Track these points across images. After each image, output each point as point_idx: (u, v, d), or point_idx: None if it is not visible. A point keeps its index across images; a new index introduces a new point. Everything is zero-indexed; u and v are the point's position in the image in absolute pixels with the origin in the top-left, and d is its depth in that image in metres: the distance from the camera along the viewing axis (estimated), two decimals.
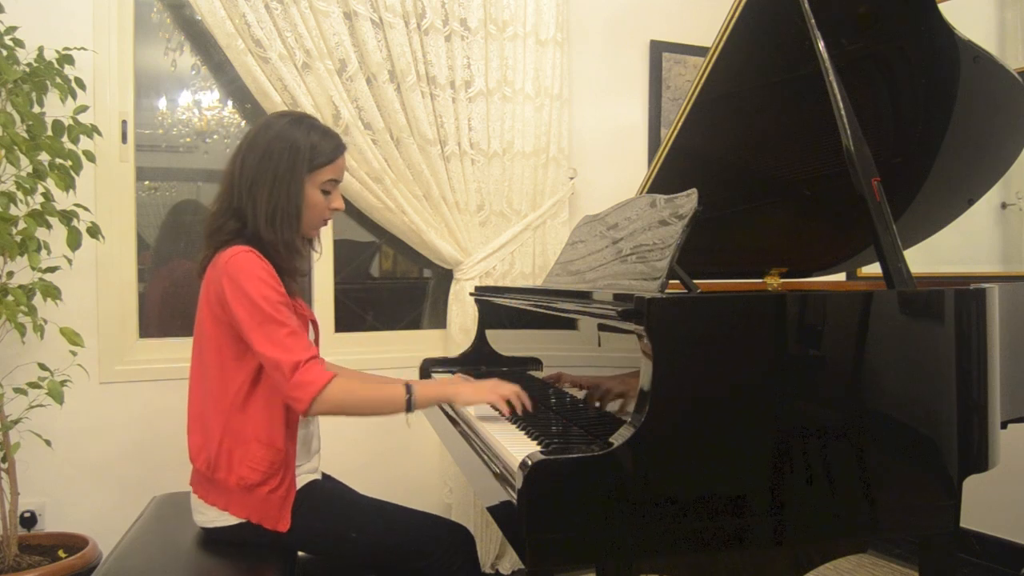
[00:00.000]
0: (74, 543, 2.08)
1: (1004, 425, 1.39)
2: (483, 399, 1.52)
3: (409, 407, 1.49)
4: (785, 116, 1.85)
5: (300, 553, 1.59)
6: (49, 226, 1.98)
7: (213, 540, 1.52)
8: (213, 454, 1.48)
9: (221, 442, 1.47)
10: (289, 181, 1.51)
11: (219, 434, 1.47)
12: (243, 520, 1.47)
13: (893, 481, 1.23)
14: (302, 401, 1.38)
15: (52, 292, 1.95)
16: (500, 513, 1.22)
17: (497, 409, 1.51)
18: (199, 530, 1.55)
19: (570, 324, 1.58)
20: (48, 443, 2.03)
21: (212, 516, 1.50)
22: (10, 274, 1.97)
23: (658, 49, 3.02)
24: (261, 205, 1.50)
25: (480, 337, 2.21)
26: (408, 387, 1.50)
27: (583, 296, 1.43)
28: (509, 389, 1.52)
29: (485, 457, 1.34)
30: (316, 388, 1.38)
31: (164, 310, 2.47)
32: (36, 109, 1.98)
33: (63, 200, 2.01)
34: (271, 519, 1.47)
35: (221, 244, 1.50)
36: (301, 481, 1.55)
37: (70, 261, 2.06)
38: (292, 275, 1.55)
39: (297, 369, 1.38)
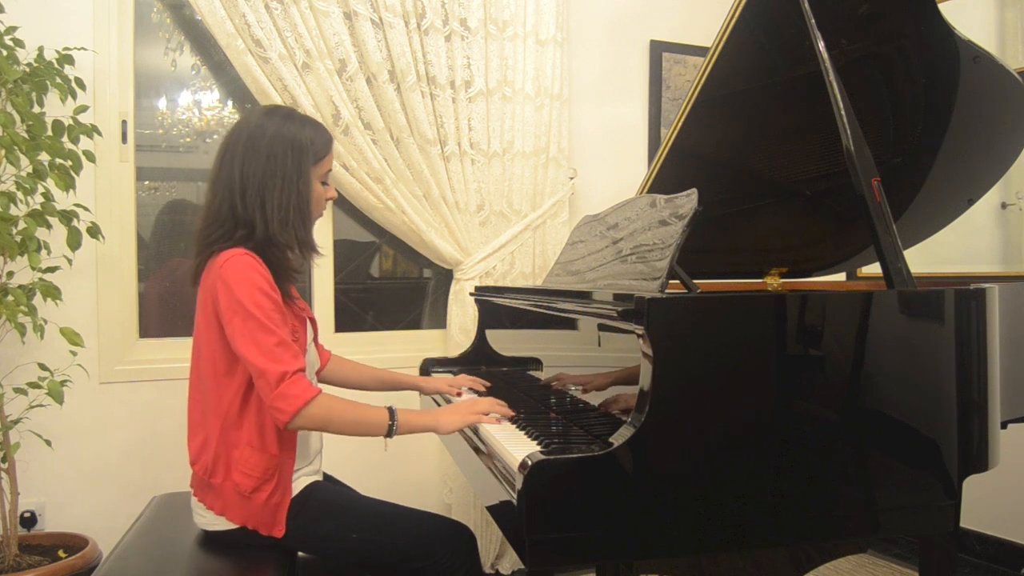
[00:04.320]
0: (74, 543, 2.08)
1: (1004, 425, 1.39)
2: (464, 422, 1.52)
3: (390, 433, 1.48)
4: (785, 116, 1.85)
5: (300, 553, 1.59)
6: (49, 226, 1.98)
7: (213, 540, 1.52)
8: (210, 460, 1.48)
9: (217, 448, 1.47)
10: (298, 180, 1.50)
11: (215, 440, 1.47)
12: (240, 525, 1.47)
13: (893, 481, 1.23)
14: (285, 412, 1.37)
15: (52, 292, 1.95)
16: (500, 513, 1.22)
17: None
18: (199, 531, 1.55)
19: (570, 324, 1.58)
20: (48, 443, 2.03)
21: (210, 519, 1.50)
22: (10, 274, 1.97)
23: (658, 49, 3.02)
24: (273, 209, 1.47)
25: (480, 337, 2.21)
26: (392, 413, 1.49)
27: (583, 296, 1.43)
28: (486, 404, 1.54)
29: (485, 457, 1.34)
30: (300, 402, 1.37)
31: (163, 310, 2.47)
32: (36, 109, 1.98)
33: (63, 200, 2.01)
34: (266, 525, 1.47)
35: (217, 249, 1.47)
36: (302, 483, 1.54)
37: (70, 261, 2.06)
38: (298, 272, 1.55)
39: (283, 380, 1.37)
